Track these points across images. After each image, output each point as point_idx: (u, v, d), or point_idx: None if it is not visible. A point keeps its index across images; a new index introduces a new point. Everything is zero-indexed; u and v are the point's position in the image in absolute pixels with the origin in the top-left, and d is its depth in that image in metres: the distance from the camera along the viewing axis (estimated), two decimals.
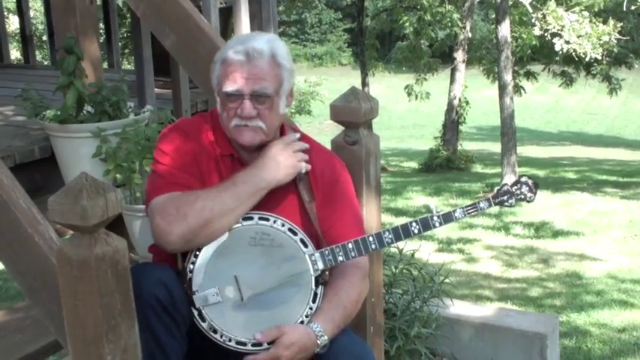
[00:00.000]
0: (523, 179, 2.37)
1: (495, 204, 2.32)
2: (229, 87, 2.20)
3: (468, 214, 2.31)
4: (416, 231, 2.30)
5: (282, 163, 2.23)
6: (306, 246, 2.21)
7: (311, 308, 2.20)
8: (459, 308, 3.75)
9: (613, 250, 8.24)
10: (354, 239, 2.25)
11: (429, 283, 3.58)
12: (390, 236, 2.28)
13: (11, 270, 2.10)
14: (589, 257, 7.87)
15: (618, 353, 4.69)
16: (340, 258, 2.23)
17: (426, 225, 2.30)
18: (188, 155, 2.25)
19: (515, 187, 2.36)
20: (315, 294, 2.21)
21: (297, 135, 2.35)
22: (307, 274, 2.20)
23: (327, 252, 2.22)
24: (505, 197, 2.34)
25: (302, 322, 2.18)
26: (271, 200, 2.25)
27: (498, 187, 2.37)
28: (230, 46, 2.26)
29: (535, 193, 2.37)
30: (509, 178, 12.83)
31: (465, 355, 3.66)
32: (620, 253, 8.11)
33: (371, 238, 2.26)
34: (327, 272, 2.24)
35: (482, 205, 2.31)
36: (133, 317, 1.83)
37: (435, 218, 2.29)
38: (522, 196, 2.35)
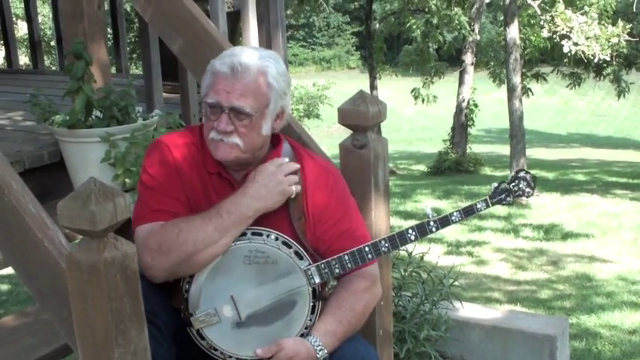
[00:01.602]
0: (521, 174, 2.31)
1: (493, 204, 2.27)
2: (210, 98, 2.15)
3: (466, 216, 2.27)
4: (413, 237, 2.27)
5: (273, 189, 2.17)
6: (301, 258, 2.19)
7: (310, 320, 2.19)
8: (468, 311, 3.74)
9: (623, 252, 8.21)
10: (350, 250, 2.23)
11: (439, 286, 3.57)
12: (387, 245, 2.26)
13: (21, 274, 2.11)
14: (599, 259, 7.85)
15: (629, 355, 4.67)
16: (337, 270, 2.22)
17: (423, 231, 2.27)
18: (172, 175, 2.20)
19: (513, 184, 2.30)
20: (314, 306, 2.20)
21: (286, 159, 2.26)
22: (304, 288, 2.19)
23: (322, 265, 2.20)
24: (503, 195, 2.29)
25: (302, 335, 2.18)
26: (261, 217, 2.20)
27: (496, 185, 2.31)
28: (221, 56, 2.21)
29: (533, 188, 2.31)
30: None
31: (474, 357, 3.65)
32: (630, 254, 8.08)
33: (367, 248, 2.24)
34: (327, 288, 2.24)
35: (479, 205, 2.27)
36: (143, 321, 1.83)
37: (432, 223, 2.26)
38: (520, 192, 2.30)
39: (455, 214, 2.26)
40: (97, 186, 1.71)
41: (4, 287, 6.64)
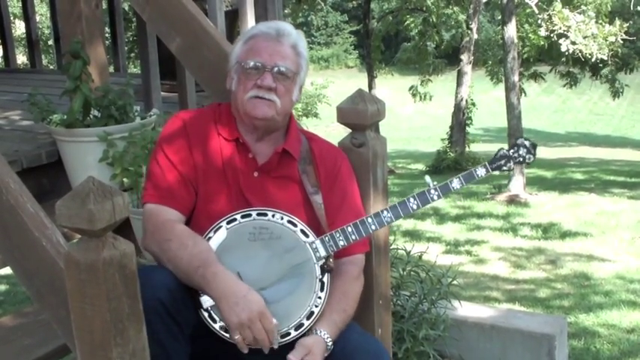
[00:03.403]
0: (519, 141, 2.34)
1: (493, 169, 2.31)
2: (252, 60, 2.26)
3: (466, 182, 2.29)
4: (415, 207, 2.31)
5: (237, 314, 2.04)
6: (306, 236, 2.21)
7: (319, 297, 2.19)
8: (467, 310, 3.74)
9: (621, 251, 8.21)
10: (353, 222, 2.26)
11: (437, 285, 3.57)
12: (389, 215, 2.29)
13: (19, 274, 2.10)
14: (597, 258, 7.84)
15: (627, 354, 4.66)
16: (341, 242, 2.24)
17: (424, 199, 2.30)
18: (184, 152, 2.27)
19: (513, 150, 2.33)
20: (322, 282, 2.20)
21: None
22: (310, 262, 2.20)
23: (327, 238, 2.22)
24: (502, 162, 2.32)
25: (312, 312, 2.16)
26: (274, 192, 2.27)
27: (495, 153, 2.34)
28: (262, 23, 2.39)
29: (534, 154, 2.34)
30: (516, 180, 12.80)
31: (473, 356, 3.65)
32: (628, 253, 8.08)
33: (370, 220, 2.27)
34: (331, 259, 2.23)
35: (479, 171, 2.30)
36: (141, 321, 1.82)
37: (433, 191, 2.29)
38: (520, 159, 2.33)
39: (455, 180, 2.30)
40: (95, 185, 1.70)
41: (2, 287, 6.64)
